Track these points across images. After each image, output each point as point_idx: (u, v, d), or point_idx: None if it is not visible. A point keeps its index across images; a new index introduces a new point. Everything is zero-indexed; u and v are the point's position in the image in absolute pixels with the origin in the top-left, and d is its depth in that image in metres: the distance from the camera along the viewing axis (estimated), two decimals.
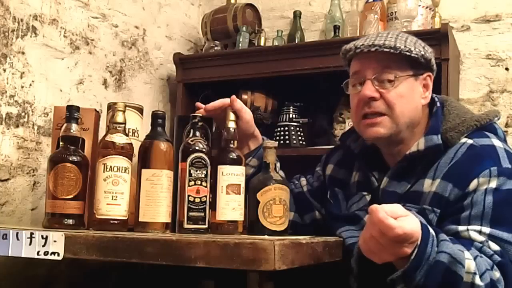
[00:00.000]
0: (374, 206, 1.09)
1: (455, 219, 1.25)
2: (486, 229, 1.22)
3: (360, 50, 1.35)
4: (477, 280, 1.13)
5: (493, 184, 1.25)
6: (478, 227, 1.23)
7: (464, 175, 1.28)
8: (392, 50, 1.32)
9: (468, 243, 1.21)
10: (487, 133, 1.36)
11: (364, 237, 1.14)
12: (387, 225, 1.06)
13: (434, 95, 1.45)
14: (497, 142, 1.33)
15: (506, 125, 2.16)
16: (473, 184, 1.26)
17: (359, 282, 1.38)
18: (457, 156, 1.31)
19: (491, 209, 1.23)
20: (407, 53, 1.32)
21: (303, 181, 1.67)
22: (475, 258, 1.16)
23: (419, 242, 1.10)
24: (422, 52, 1.35)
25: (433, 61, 1.39)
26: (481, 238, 1.22)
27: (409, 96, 1.35)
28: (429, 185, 1.32)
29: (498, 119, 1.41)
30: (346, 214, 1.48)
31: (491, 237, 1.22)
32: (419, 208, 1.30)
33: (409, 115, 1.35)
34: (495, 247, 1.21)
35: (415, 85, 1.36)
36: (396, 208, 1.10)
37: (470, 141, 1.33)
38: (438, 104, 1.41)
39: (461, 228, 1.24)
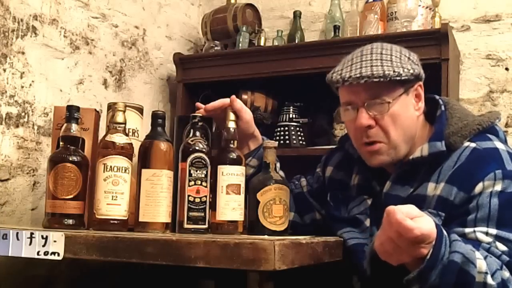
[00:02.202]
0: (391, 208, 1.07)
1: (461, 222, 1.26)
2: (493, 231, 1.23)
3: (349, 83, 1.31)
4: (489, 280, 1.13)
5: (498, 187, 1.25)
6: (484, 229, 1.23)
7: (469, 178, 1.28)
8: (382, 79, 1.29)
9: (476, 244, 1.21)
10: (489, 135, 1.36)
11: (380, 239, 1.13)
12: (405, 227, 1.05)
13: (437, 97, 1.45)
14: (499, 145, 1.33)
15: (506, 125, 2.16)
16: (479, 187, 1.26)
17: (363, 282, 1.39)
18: (460, 160, 1.31)
19: (497, 212, 1.24)
20: (397, 78, 1.30)
21: (303, 181, 1.67)
22: (485, 258, 1.17)
23: (434, 243, 1.10)
24: (411, 70, 1.32)
25: (421, 71, 1.37)
26: (488, 239, 1.22)
27: (403, 114, 1.34)
28: (432, 188, 1.32)
29: (499, 120, 1.41)
30: (347, 217, 1.48)
31: (498, 238, 1.23)
32: (424, 211, 1.28)
33: (405, 134, 1.35)
34: (502, 247, 1.22)
35: (407, 100, 1.35)
36: (411, 209, 1.10)
37: (473, 145, 1.33)
38: (442, 108, 1.40)
39: (467, 230, 1.24)
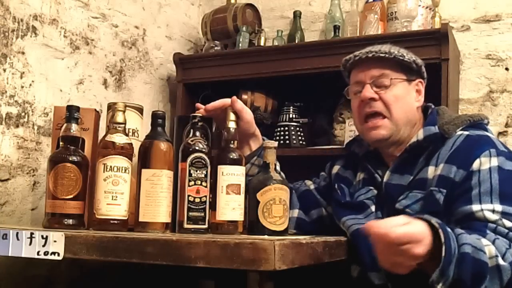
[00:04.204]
0: (366, 225, 1.14)
1: (466, 199, 1.33)
2: (498, 207, 1.30)
3: (359, 57, 1.50)
4: (501, 261, 1.19)
5: (495, 162, 1.35)
6: (491, 206, 1.30)
7: (467, 157, 1.38)
8: (387, 55, 1.47)
9: (482, 225, 1.28)
10: (479, 129, 1.47)
11: (379, 258, 1.18)
12: (381, 234, 1.10)
13: (429, 104, 1.57)
14: (490, 134, 1.46)
15: (506, 125, 2.16)
16: (476, 163, 1.36)
17: (362, 269, 1.45)
18: (456, 144, 1.42)
19: (498, 186, 1.32)
20: (400, 58, 1.47)
21: (308, 181, 1.72)
22: (493, 242, 1.22)
23: (443, 239, 1.14)
24: (414, 58, 1.49)
25: (423, 69, 1.53)
26: (495, 216, 1.29)
27: (404, 97, 1.48)
28: (433, 171, 1.41)
29: (488, 122, 1.52)
30: (352, 201, 1.54)
31: (504, 214, 1.29)
32: (426, 192, 1.39)
33: (406, 115, 1.48)
34: (508, 223, 1.28)
35: (409, 89, 1.50)
36: (394, 219, 1.14)
37: (466, 133, 1.45)
38: (433, 106, 1.55)
39: (475, 208, 1.31)
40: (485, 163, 1.35)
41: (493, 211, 1.29)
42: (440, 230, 1.15)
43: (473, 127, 1.47)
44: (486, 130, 1.48)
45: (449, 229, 1.18)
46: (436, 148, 1.44)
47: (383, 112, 1.47)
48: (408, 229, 1.11)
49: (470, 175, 1.35)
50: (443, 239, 1.14)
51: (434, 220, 1.17)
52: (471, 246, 1.18)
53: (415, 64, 1.49)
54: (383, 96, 1.46)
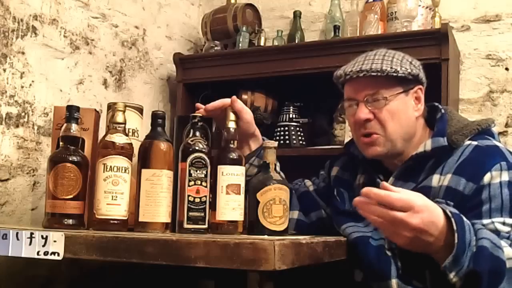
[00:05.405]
0: (367, 189, 1.16)
1: (476, 214, 1.31)
2: (509, 220, 1.29)
3: (350, 76, 1.43)
4: None
5: (505, 177, 1.32)
6: (501, 219, 1.29)
7: (476, 169, 1.34)
8: (379, 73, 1.39)
9: (496, 234, 1.26)
10: (487, 136, 1.44)
11: (377, 224, 1.19)
12: (382, 195, 1.14)
13: (436, 104, 1.53)
14: (498, 144, 1.42)
15: (506, 125, 2.16)
16: (487, 177, 1.32)
17: (365, 275, 1.43)
18: (464, 155, 1.39)
19: (509, 201, 1.31)
20: (394, 74, 1.39)
21: (308, 182, 1.71)
22: (510, 245, 1.22)
23: (455, 227, 1.15)
24: (409, 70, 1.41)
25: (422, 74, 1.46)
26: (507, 228, 1.28)
27: (401, 112, 1.42)
28: (437, 180, 1.38)
29: (494, 125, 1.49)
30: (352, 210, 1.50)
31: None
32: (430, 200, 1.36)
33: (402, 130, 1.43)
34: None
35: (406, 100, 1.43)
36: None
37: (474, 143, 1.41)
38: (442, 111, 1.49)
39: (485, 221, 1.29)
40: (496, 177, 1.32)
41: (504, 223, 1.28)
42: (453, 219, 1.15)
43: (481, 134, 1.43)
44: (494, 136, 1.45)
45: (467, 221, 1.18)
46: (443, 157, 1.40)
47: (377, 131, 1.42)
48: (409, 197, 1.13)
49: (481, 189, 1.32)
50: (455, 227, 1.14)
51: (449, 210, 1.17)
52: (490, 242, 1.18)
53: (411, 76, 1.42)
54: (379, 115, 1.41)
